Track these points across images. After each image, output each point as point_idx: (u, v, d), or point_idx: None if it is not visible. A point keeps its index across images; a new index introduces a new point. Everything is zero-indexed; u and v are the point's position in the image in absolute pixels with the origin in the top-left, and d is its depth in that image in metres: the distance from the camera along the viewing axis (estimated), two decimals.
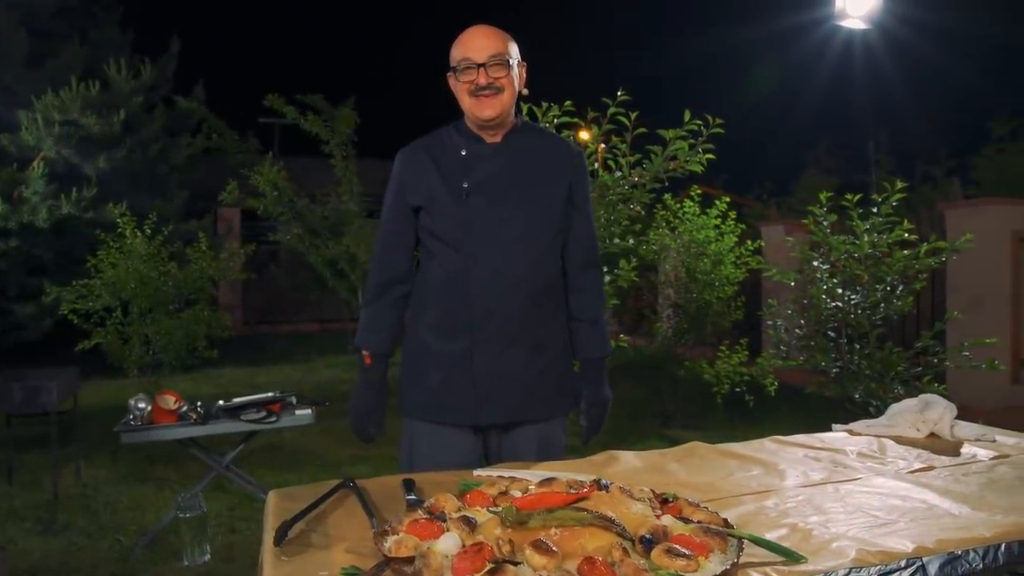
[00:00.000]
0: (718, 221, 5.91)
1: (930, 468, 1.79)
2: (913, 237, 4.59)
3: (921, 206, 8.28)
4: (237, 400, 3.62)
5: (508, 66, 1.93)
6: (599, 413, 2.11)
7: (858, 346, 4.72)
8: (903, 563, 1.25)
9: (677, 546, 1.19)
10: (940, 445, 2.01)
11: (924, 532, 1.35)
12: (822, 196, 4.73)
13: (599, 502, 1.28)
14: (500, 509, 1.31)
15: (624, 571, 1.13)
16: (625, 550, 1.17)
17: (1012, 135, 10.81)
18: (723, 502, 1.55)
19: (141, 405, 3.44)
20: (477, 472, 1.74)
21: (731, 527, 1.31)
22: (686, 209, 5.93)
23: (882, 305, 4.62)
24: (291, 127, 9.46)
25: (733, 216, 5.97)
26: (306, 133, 9.11)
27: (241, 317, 13.51)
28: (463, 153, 2.00)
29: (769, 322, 5.67)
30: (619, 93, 4.52)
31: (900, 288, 4.63)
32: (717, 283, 5.94)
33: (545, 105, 4.56)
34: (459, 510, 1.36)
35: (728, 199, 6.02)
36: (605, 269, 3.94)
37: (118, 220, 6.26)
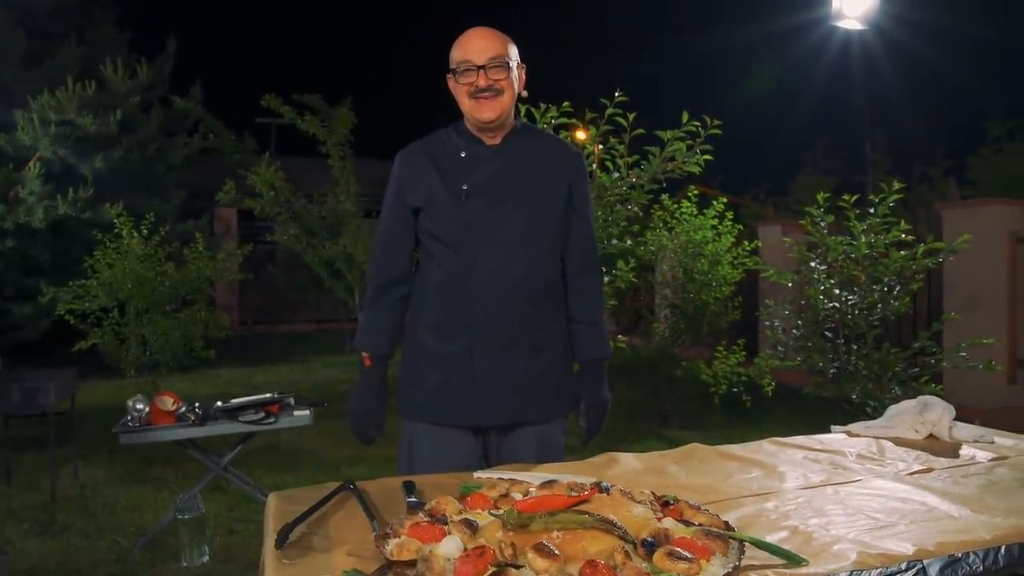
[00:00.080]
0: (715, 221, 5.92)
1: (929, 470, 1.80)
2: (910, 238, 4.60)
3: (918, 206, 8.30)
4: (235, 401, 3.61)
5: (508, 68, 1.93)
6: (599, 415, 2.11)
7: (855, 346, 4.73)
8: (904, 566, 1.25)
9: (679, 549, 1.19)
10: (939, 447, 2.01)
11: (924, 534, 1.35)
12: (819, 197, 4.74)
13: (600, 505, 1.28)
14: (501, 512, 1.32)
15: (626, 574, 1.13)
16: (627, 553, 1.17)
17: (1008, 135, 10.85)
18: (723, 504, 1.55)
19: (139, 406, 3.43)
20: (477, 474, 1.74)
21: (732, 530, 1.31)
22: (683, 209, 5.93)
23: (879, 305, 4.63)
24: (288, 127, 9.48)
25: (730, 216, 5.98)
26: (303, 133, 9.12)
27: (238, 317, 13.51)
28: (463, 155, 2.00)
29: (766, 322, 5.68)
30: (617, 94, 4.53)
31: (897, 289, 4.64)
32: (714, 283, 5.94)
33: (543, 106, 4.57)
34: (460, 513, 1.36)
35: (725, 199, 6.03)
36: (603, 270, 3.95)
37: (115, 220, 6.26)
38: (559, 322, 2.07)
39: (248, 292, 13.70)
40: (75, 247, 7.92)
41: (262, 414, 3.54)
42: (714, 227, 5.91)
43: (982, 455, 1.92)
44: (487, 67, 1.91)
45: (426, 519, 1.33)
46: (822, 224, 4.81)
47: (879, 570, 1.23)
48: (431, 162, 2.00)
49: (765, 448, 2.00)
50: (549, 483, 1.49)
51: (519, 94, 2.03)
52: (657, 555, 1.18)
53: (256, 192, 8.82)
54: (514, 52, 1.98)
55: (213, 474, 3.69)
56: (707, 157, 4.59)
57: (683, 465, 1.86)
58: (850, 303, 4.69)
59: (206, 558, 3.23)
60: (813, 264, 4.87)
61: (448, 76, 1.99)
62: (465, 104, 1.96)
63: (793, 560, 1.24)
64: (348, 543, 1.35)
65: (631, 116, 4.54)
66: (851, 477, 1.74)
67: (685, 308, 6.07)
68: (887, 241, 4.60)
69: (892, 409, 2.22)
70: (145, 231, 6.26)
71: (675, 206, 5.98)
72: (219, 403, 3.62)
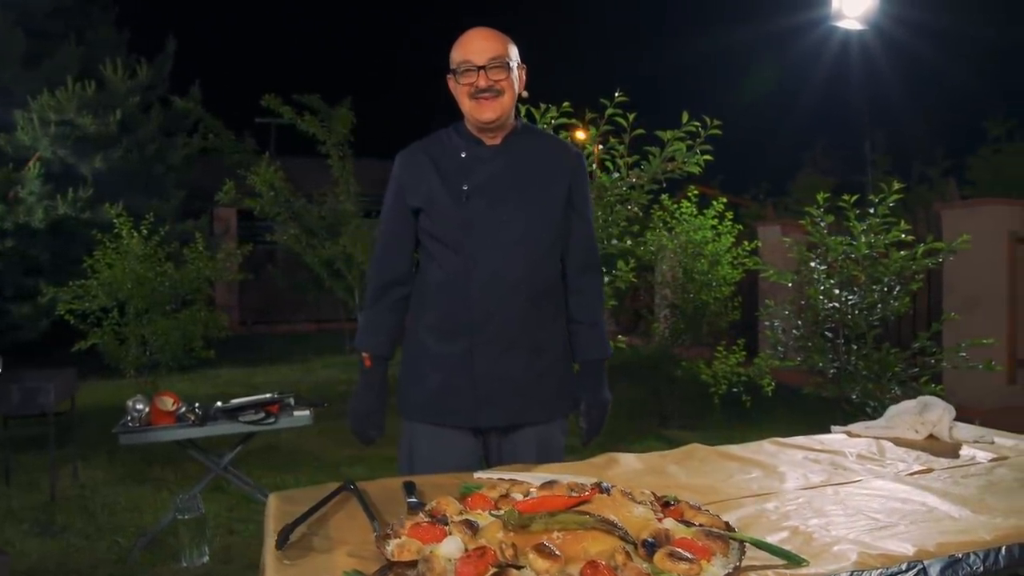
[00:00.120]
0: (715, 221, 5.92)
1: (929, 470, 1.80)
2: (910, 238, 4.60)
3: (918, 206, 8.30)
4: (235, 401, 3.61)
5: (508, 68, 1.93)
6: (599, 415, 2.11)
7: (855, 347, 4.73)
8: (904, 566, 1.25)
9: (679, 550, 1.19)
10: (939, 447, 2.02)
11: (925, 535, 1.35)
12: (819, 197, 4.74)
13: (601, 505, 1.28)
14: (502, 512, 1.32)
15: (627, 575, 1.13)
16: (628, 554, 1.17)
17: (1008, 135, 10.86)
18: (723, 505, 1.55)
19: (139, 406, 3.43)
20: (477, 475, 1.74)
21: (732, 530, 1.31)
22: (683, 209, 5.93)
23: (879, 306, 4.63)
24: (288, 127, 9.45)
25: (730, 216, 5.98)
26: (303, 133, 9.11)
27: (238, 317, 13.51)
28: (463, 155, 2.00)
29: (766, 322, 5.68)
30: (616, 94, 4.53)
31: (897, 289, 4.64)
32: (714, 283, 5.94)
33: (543, 106, 4.57)
34: (461, 513, 1.36)
35: (725, 199, 6.03)
36: (603, 270, 3.95)
37: (114, 220, 6.25)
38: (559, 322, 2.07)
39: (248, 292, 13.70)
40: (75, 247, 7.92)
41: (262, 414, 3.54)
42: (714, 227, 5.91)
43: (982, 455, 1.92)
44: (487, 67, 1.91)
45: (427, 520, 1.33)
46: (822, 224, 4.80)
47: (879, 571, 1.23)
48: (431, 162, 2.00)
49: (765, 448, 2.00)
50: (549, 484, 1.49)
51: (519, 94, 2.03)
52: (658, 556, 1.18)
53: (256, 192, 8.81)
54: (514, 52, 1.98)
55: (213, 474, 3.69)
56: (707, 157, 4.59)
57: (683, 465, 1.86)
58: (850, 303, 4.69)
59: (206, 558, 3.23)
60: (813, 264, 4.87)
61: (448, 76, 1.99)
62: (465, 104, 1.96)
63: (793, 561, 1.24)
64: (349, 544, 1.35)
65: (631, 116, 4.54)
66: (851, 477, 1.74)
67: (685, 308, 6.07)
68: (887, 241, 4.60)
69: (892, 409, 2.22)
70: (145, 231, 6.26)
71: (675, 206, 5.98)
72: (219, 403, 3.62)
